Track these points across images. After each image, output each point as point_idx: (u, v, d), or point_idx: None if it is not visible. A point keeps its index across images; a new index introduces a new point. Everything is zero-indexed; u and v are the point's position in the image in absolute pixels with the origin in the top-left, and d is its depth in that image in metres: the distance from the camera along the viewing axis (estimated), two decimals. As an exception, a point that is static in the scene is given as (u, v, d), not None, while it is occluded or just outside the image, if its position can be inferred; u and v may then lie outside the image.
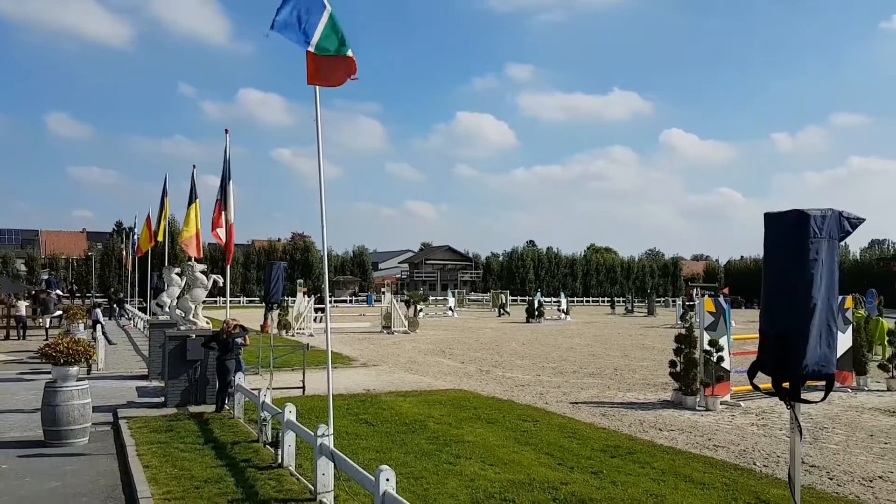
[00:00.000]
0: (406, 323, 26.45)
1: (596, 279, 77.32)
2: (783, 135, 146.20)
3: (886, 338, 15.96)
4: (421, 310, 33.25)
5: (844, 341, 12.88)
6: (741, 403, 11.05)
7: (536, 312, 35.55)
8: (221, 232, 11.68)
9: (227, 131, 11.59)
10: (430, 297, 49.21)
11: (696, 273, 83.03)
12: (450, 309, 42.48)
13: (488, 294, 59.14)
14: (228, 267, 12.12)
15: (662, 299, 64.08)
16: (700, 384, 10.84)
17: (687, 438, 8.78)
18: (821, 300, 3.26)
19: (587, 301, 70.70)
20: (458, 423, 9.38)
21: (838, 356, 12.52)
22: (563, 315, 38.97)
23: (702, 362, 10.83)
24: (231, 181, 11.54)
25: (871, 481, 6.89)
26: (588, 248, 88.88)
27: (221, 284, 12.39)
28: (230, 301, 15.02)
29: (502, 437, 8.57)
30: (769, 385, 3.49)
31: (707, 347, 10.82)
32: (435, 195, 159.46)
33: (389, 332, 25.94)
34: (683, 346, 11.13)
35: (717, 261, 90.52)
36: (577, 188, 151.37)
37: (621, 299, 55.93)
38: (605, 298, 66.90)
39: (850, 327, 13.09)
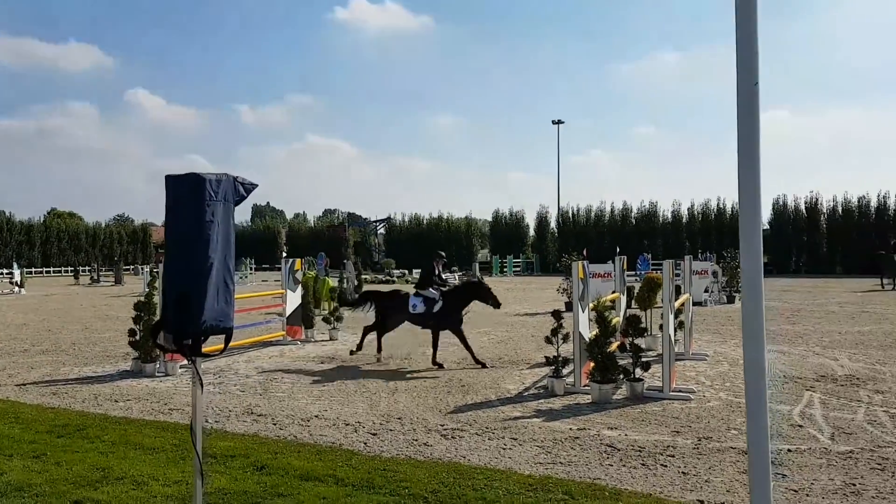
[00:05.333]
0: None
1: (58, 247, 69.49)
2: (246, 107, 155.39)
3: (330, 294, 18.58)
4: None
5: (294, 300, 14.48)
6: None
7: (-23, 287, 30.27)
8: None
9: None
10: None
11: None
12: None
13: None
14: None
15: (132, 267, 61.47)
16: (160, 351, 10.83)
17: (143, 406, 8.71)
18: (217, 260, 3.60)
19: (48, 272, 63.24)
20: None
21: (290, 313, 14.26)
22: (16, 288, 34.37)
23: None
24: None
25: (308, 421, 7.89)
26: (49, 213, 79.34)
27: None
28: None
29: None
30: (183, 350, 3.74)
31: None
32: None
33: None
34: (143, 314, 10.95)
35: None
36: (35, 145, 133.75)
37: (86, 268, 51.88)
38: (69, 268, 60.90)
39: (300, 287, 14.73)
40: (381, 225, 61.84)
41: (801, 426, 7.35)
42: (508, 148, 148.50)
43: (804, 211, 47.35)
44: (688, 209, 51.01)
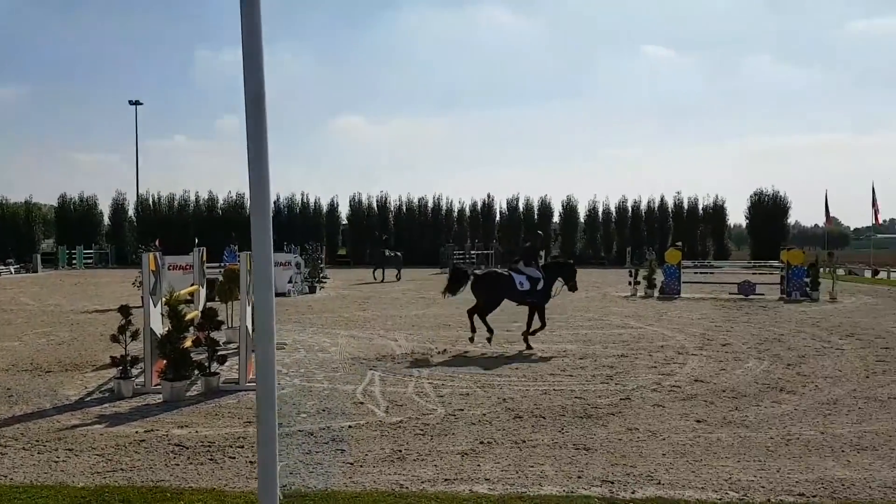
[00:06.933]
0: None
1: None
2: None
3: None
4: None
5: None
6: None
7: None
8: None
9: None
10: None
11: None
12: None
13: None
14: None
15: None
16: None
17: None
18: None
19: None
20: None
21: None
22: None
23: None
24: None
25: None
26: None
27: None
28: None
29: None
30: None
31: None
32: None
33: None
34: None
35: None
36: None
37: None
38: None
39: None
40: None
41: (362, 403, 8.10)
42: (78, 126, 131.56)
43: (376, 209, 52.32)
44: (274, 202, 52.13)
